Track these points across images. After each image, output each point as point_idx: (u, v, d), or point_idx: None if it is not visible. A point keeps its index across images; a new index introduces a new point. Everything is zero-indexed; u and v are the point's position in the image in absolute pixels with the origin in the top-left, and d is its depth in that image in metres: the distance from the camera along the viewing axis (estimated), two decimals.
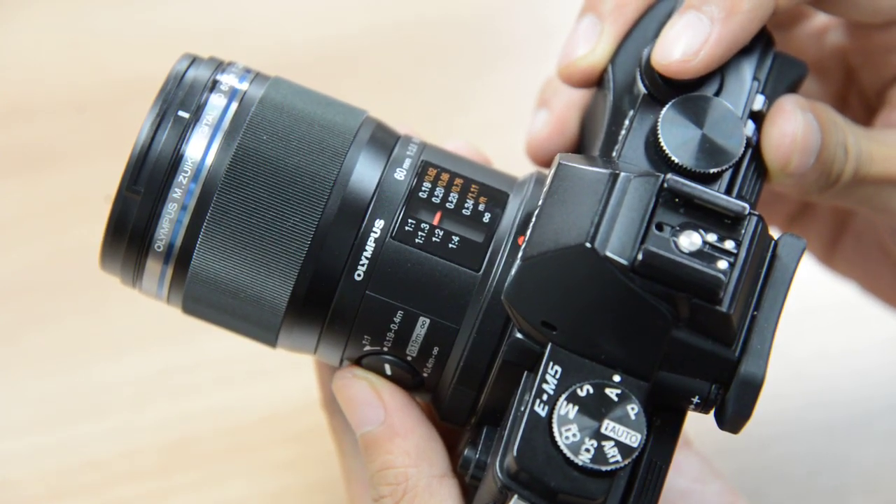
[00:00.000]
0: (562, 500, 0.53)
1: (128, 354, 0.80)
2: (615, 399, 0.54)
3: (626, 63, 0.60)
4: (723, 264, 0.53)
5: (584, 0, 0.62)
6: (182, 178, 0.58)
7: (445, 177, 0.60)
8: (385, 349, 0.59)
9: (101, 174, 0.69)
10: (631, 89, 0.59)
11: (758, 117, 0.59)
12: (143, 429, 0.78)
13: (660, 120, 0.57)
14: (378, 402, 0.60)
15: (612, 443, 0.53)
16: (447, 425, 0.61)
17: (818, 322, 0.82)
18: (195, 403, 0.79)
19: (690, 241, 0.53)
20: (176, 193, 0.58)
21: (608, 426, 0.53)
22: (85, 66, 0.92)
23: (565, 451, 0.53)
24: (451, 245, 0.58)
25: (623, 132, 0.58)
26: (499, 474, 0.54)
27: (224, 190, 0.58)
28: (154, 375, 0.80)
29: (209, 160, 0.58)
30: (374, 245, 0.58)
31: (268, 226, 0.58)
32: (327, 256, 0.58)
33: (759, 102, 0.59)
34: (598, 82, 0.61)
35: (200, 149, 0.58)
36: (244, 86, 0.60)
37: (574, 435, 0.53)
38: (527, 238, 0.55)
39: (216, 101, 0.59)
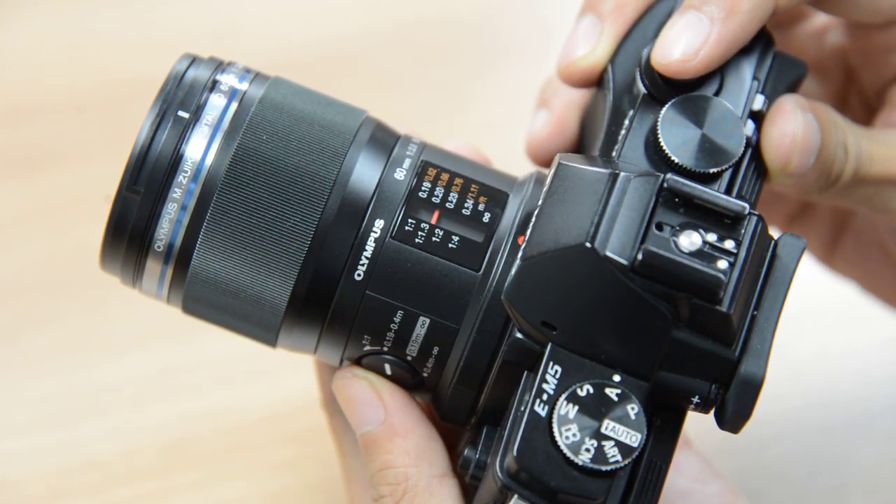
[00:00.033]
0: (562, 499, 0.53)
1: (128, 354, 0.80)
2: (615, 399, 0.54)
3: (625, 63, 0.60)
4: (723, 264, 0.53)
5: (583, 0, 0.62)
6: (182, 178, 0.58)
7: (445, 177, 0.60)
8: (385, 349, 0.59)
9: (101, 174, 0.69)
10: (631, 89, 0.59)
11: (758, 117, 0.59)
12: (143, 429, 0.78)
13: (660, 120, 0.57)
14: (378, 401, 0.60)
15: (613, 443, 0.53)
16: (447, 425, 0.61)
17: (818, 322, 0.82)
18: (195, 403, 0.79)
19: (690, 240, 0.53)
20: (176, 193, 0.58)
21: (608, 426, 0.53)
22: (85, 66, 0.92)
23: (565, 450, 0.53)
24: (451, 245, 0.58)
25: (623, 132, 0.58)
26: (499, 474, 0.54)
27: (224, 190, 0.58)
28: (154, 375, 0.80)
29: (209, 160, 0.58)
30: (374, 245, 0.58)
31: (268, 226, 0.58)
32: (327, 256, 0.58)
33: (758, 102, 0.59)
34: (597, 82, 0.61)
35: (200, 149, 0.58)
36: (244, 86, 0.60)
37: (574, 435, 0.53)
38: (527, 238, 0.55)
39: (216, 101, 0.59)
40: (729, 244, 0.53)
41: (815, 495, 0.77)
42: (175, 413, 0.78)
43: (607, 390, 0.54)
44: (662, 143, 0.56)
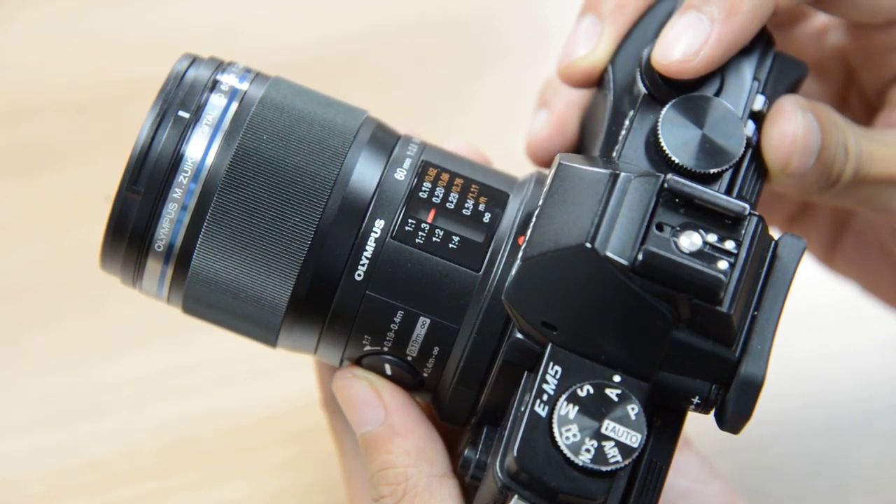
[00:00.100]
0: (562, 500, 0.53)
1: (128, 354, 0.80)
2: (615, 399, 0.54)
3: (626, 63, 0.60)
4: (723, 265, 0.53)
5: (584, 0, 0.62)
6: (182, 178, 0.58)
7: (446, 177, 0.60)
8: (385, 349, 0.59)
9: (101, 174, 0.69)
10: (631, 89, 0.59)
11: (758, 117, 0.59)
12: (143, 429, 0.78)
13: (660, 120, 0.57)
14: (378, 402, 0.60)
15: (613, 443, 0.53)
16: (447, 425, 0.61)
17: (818, 322, 0.82)
18: (195, 403, 0.79)
19: (691, 241, 0.53)
20: (176, 193, 0.58)
21: (608, 426, 0.53)
22: (85, 66, 0.92)
23: (565, 451, 0.53)
24: (451, 245, 0.58)
25: (623, 132, 0.58)
26: (499, 474, 0.54)
27: (224, 190, 0.58)
28: (154, 375, 0.80)
29: (209, 160, 0.58)
30: (374, 245, 0.58)
31: (268, 226, 0.58)
32: (327, 256, 0.58)
33: (759, 102, 0.59)
34: (598, 82, 0.61)
35: (201, 149, 0.58)
36: (244, 86, 0.60)
37: (574, 435, 0.53)
38: (527, 238, 0.55)
39: (216, 101, 0.59)
40: (729, 245, 0.53)
41: (815, 495, 0.77)
42: (175, 413, 0.78)
43: (607, 391, 0.54)
44: (663, 144, 0.56)
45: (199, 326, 0.62)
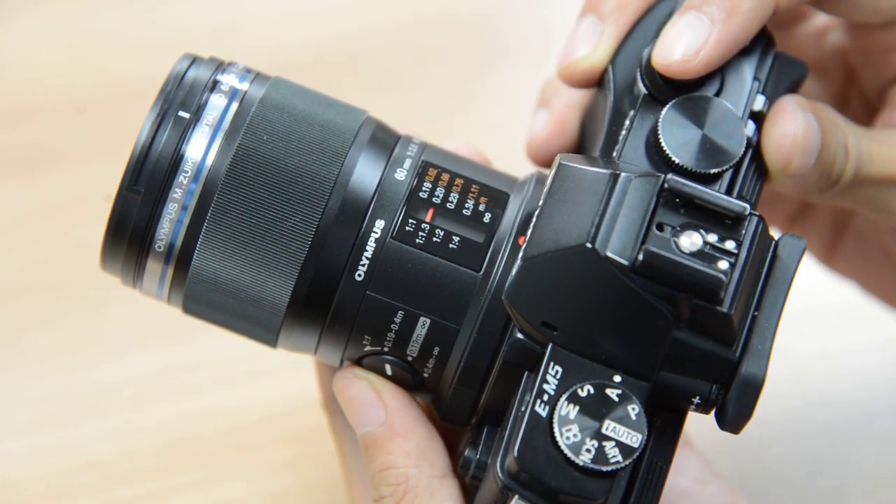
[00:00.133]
0: (562, 500, 0.53)
1: (128, 354, 0.80)
2: (616, 399, 0.54)
3: (626, 63, 0.60)
4: (723, 265, 0.53)
5: (584, 0, 0.62)
6: (182, 179, 0.58)
7: (446, 177, 0.60)
8: (385, 349, 0.59)
9: (101, 174, 0.69)
10: (631, 89, 0.59)
11: (758, 117, 0.59)
12: (143, 429, 0.78)
13: (660, 120, 0.57)
14: (378, 402, 0.60)
15: (613, 443, 0.53)
16: (448, 426, 0.61)
17: (819, 322, 0.82)
18: (195, 403, 0.79)
19: (691, 241, 0.53)
20: (176, 193, 0.58)
21: (609, 426, 0.53)
22: (85, 66, 0.92)
23: (566, 451, 0.53)
24: (451, 245, 0.58)
25: (623, 132, 0.58)
26: (499, 475, 0.54)
27: (224, 190, 0.58)
28: (154, 375, 0.80)
29: (210, 160, 0.58)
30: (374, 245, 0.58)
31: (268, 226, 0.58)
32: (328, 257, 0.58)
33: (759, 103, 0.59)
34: (598, 83, 0.61)
35: (201, 149, 0.58)
36: (244, 86, 0.60)
37: (575, 435, 0.53)
38: (527, 238, 0.55)
39: (216, 102, 0.59)
40: (729, 245, 0.53)
41: (815, 495, 0.77)
42: (175, 413, 0.78)
43: (608, 391, 0.54)
44: (663, 144, 0.56)
45: (199, 326, 0.62)
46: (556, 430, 0.53)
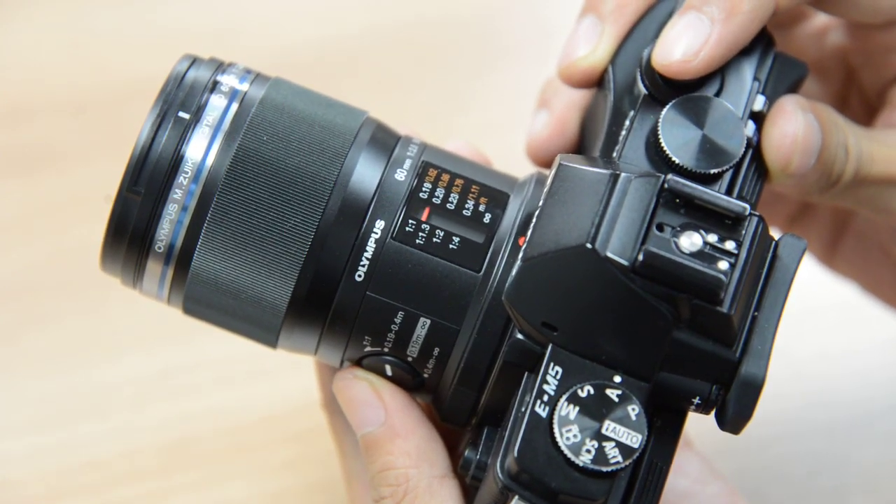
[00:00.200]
0: (563, 500, 0.53)
1: (128, 354, 0.80)
2: (616, 400, 0.54)
3: (626, 63, 0.60)
4: (723, 265, 0.53)
5: (584, 0, 0.62)
6: (182, 179, 0.58)
7: (446, 177, 0.60)
8: (386, 350, 0.59)
9: (101, 174, 0.69)
10: (631, 90, 0.59)
11: (758, 118, 0.59)
12: (143, 429, 0.78)
13: (660, 120, 0.57)
14: (379, 402, 0.60)
15: (613, 443, 0.53)
16: (448, 426, 0.61)
17: (819, 322, 0.82)
18: (195, 403, 0.79)
19: (691, 241, 0.53)
20: (176, 194, 0.58)
21: (609, 427, 0.53)
22: (85, 66, 0.92)
23: (566, 451, 0.53)
24: (451, 246, 0.58)
25: (623, 133, 0.58)
26: (499, 475, 0.54)
27: (224, 191, 0.58)
28: (154, 375, 0.80)
29: (210, 161, 0.58)
30: (374, 246, 0.58)
31: (268, 227, 0.58)
32: (328, 257, 0.58)
33: (759, 103, 0.59)
34: (598, 83, 0.61)
35: (201, 149, 0.58)
36: (244, 86, 0.60)
37: (575, 436, 0.53)
38: (527, 238, 0.55)
39: (217, 102, 0.59)
40: (730, 245, 0.53)
41: (815, 495, 0.77)
42: (175, 413, 0.78)
43: (608, 391, 0.54)
44: (663, 144, 0.56)
45: (199, 326, 0.62)
46: (556, 430, 0.53)
